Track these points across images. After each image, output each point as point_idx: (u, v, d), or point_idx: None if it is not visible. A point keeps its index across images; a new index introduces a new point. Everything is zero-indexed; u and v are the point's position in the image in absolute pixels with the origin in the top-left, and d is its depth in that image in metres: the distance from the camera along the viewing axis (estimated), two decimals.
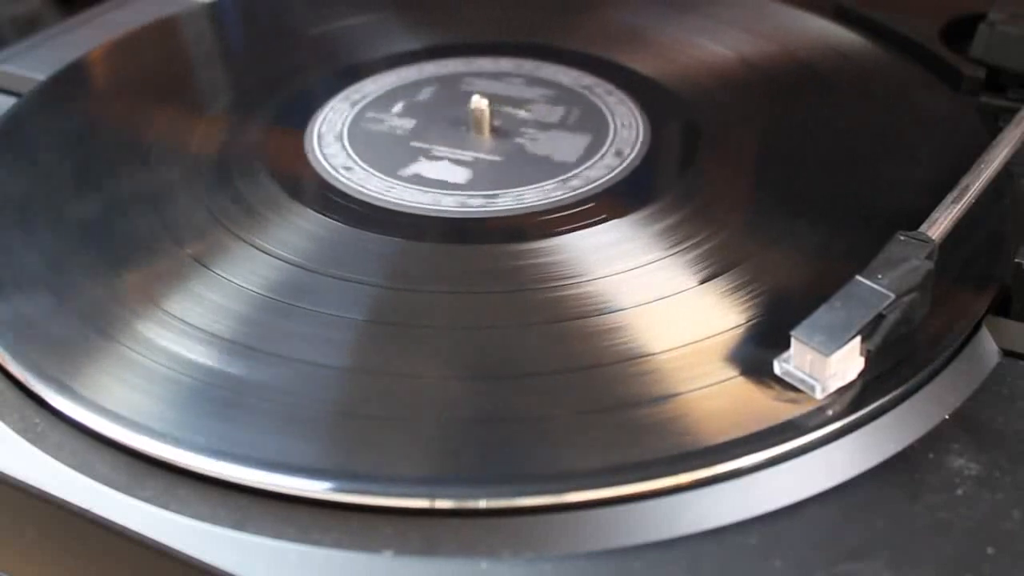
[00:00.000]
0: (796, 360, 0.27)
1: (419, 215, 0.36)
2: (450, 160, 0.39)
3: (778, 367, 0.28)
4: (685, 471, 0.25)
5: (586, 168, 0.39)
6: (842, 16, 0.49)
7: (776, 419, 0.27)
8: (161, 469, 0.26)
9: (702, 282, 0.32)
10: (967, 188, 0.33)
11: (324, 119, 0.42)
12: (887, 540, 0.24)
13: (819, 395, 0.27)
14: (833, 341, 0.27)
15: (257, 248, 0.34)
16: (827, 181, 0.37)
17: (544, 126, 0.42)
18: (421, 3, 0.53)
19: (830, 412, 0.27)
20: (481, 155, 0.40)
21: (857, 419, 0.27)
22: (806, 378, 0.27)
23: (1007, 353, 0.30)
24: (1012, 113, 0.38)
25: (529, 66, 0.47)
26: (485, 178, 0.38)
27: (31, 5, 0.67)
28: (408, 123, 0.42)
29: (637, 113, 0.42)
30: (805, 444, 0.26)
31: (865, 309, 0.28)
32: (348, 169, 0.38)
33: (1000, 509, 0.25)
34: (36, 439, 0.28)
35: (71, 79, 0.46)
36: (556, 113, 0.43)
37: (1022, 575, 0.24)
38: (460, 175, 0.38)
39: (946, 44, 0.45)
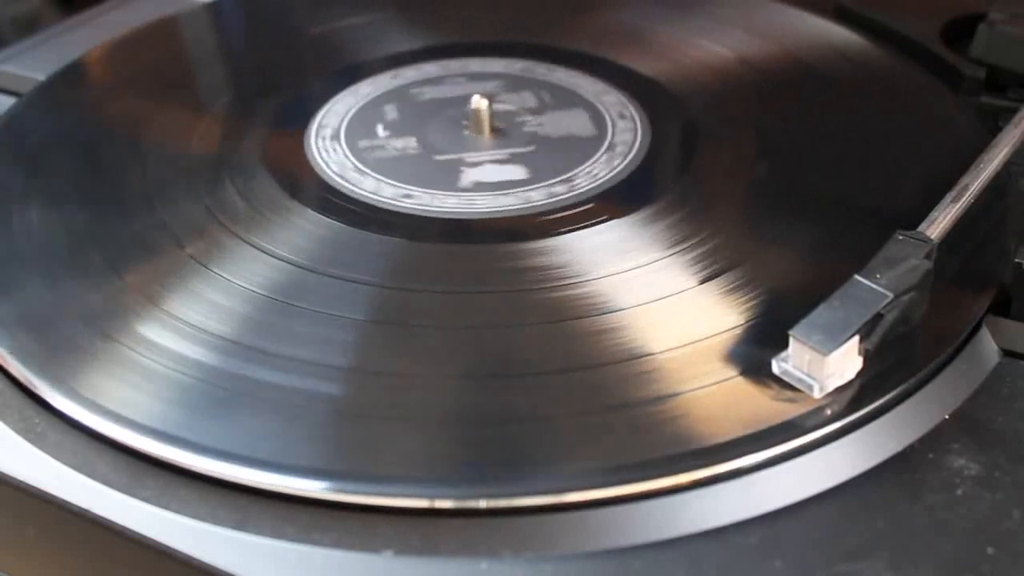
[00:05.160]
0: (795, 359, 0.27)
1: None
2: (491, 162, 0.39)
3: (776, 367, 0.28)
4: (685, 471, 0.25)
5: (613, 135, 0.40)
6: (842, 16, 0.49)
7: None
8: (161, 469, 0.26)
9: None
10: (966, 188, 0.33)
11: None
12: (887, 540, 0.24)
13: (817, 394, 0.27)
14: (831, 340, 0.27)
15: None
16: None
17: (533, 111, 0.42)
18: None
19: (829, 412, 0.27)
20: (513, 150, 0.40)
21: (856, 419, 0.27)
22: (804, 377, 0.27)
23: (1007, 353, 0.30)
24: (1012, 113, 0.38)
25: (456, 65, 0.47)
26: (543, 167, 0.38)
27: (31, 5, 0.67)
28: (409, 142, 0.41)
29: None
30: (804, 444, 0.26)
31: (863, 308, 0.28)
32: (409, 197, 0.37)
33: (1000, 509, 0.25)
34: (36, 439, 0.28)
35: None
36: (528, 99, 0.43)
37: (1022, 575, 0.24)
38: (518, 172, 0.38)
39: (946, 44, 0.45)
